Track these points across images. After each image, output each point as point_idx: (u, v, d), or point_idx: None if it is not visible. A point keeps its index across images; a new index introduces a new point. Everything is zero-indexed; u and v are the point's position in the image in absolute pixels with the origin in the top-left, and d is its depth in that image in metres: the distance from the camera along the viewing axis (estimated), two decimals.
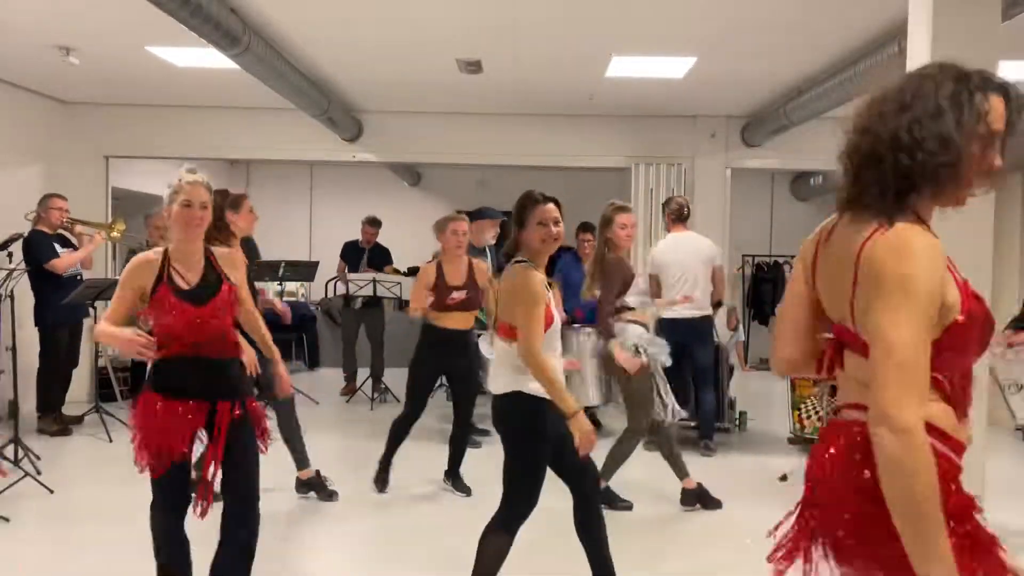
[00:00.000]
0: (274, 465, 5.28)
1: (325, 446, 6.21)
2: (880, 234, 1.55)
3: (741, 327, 8.62)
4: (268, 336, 3.38)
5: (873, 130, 1.60)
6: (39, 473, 4.89)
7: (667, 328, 5.47)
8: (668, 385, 4.58)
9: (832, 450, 1.64)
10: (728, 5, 4.84)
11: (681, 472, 4.70)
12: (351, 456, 5.84)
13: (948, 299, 1.53)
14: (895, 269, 1.50)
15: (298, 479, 4.81)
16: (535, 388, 2.95)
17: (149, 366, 3.01)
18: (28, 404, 6.06)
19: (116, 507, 4.56)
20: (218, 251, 3.05)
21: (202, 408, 2.90)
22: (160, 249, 2.96)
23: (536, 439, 3.01)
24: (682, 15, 5.05)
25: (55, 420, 6.23)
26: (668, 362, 4.56)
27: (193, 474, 3.05)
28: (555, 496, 3.18)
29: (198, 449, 3.01)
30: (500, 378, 3.07)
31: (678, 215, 5.96)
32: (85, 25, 5.37)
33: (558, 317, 3.06)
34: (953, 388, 1.60)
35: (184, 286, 2.90)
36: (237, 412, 2.94)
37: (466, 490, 4.94)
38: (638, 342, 4.46)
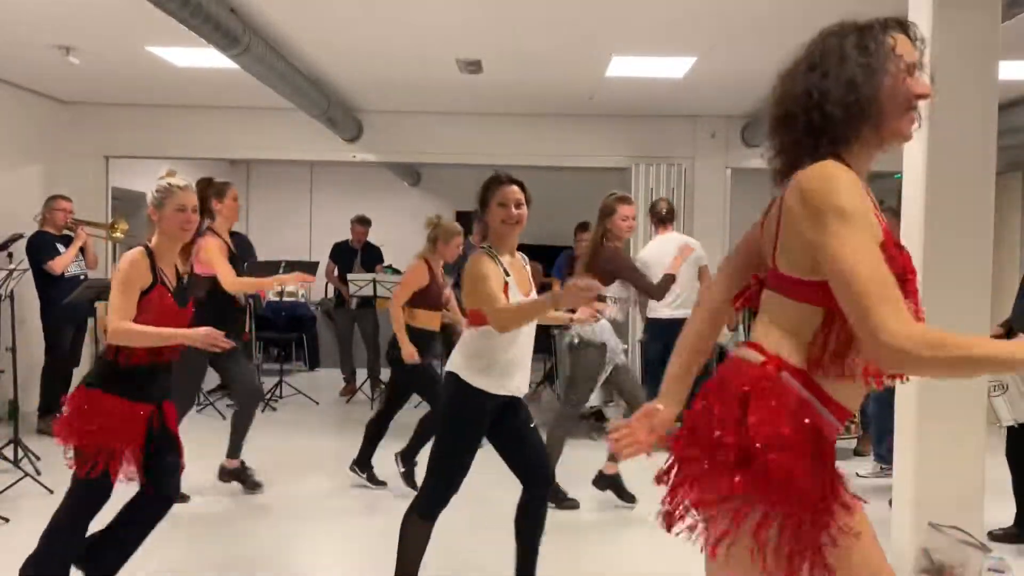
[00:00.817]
0: (274, 465, 5.31)
1: (325, 446, 6.22)
2: (799, 175, 1.60)
3: (741, 327, 8.62)
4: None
5: (787, 95, 1.66)
6: (39, 473, 4.88)
7: (655, 329, 5.46)
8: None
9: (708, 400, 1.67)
10: (728, 5, 4.84)
11: (553, 460, 4.61)
12: (351, 456, 5.84)
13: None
14: (826, 198, 1.53)
15: (223, 467, 4.88)
16: (474, 378, 2.98)
17: (101, 365, 2.98)
18: (28, 404, 6.06)
19: (116, 507, 4.56)
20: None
21: (149, 410, 2.96)
22: (141, 248, 2.95)
23: (463, 424, 3.03)
24: (682, 15, 5.05)
25: (55, 420, 6.22)
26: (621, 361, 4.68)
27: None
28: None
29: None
30: (454, 359, 3.09)
31: (662, 217, 5.96)
32: (85, 25, 5.37)
33: (518, 299, 3.02)
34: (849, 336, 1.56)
35: (171, 287, 2.96)
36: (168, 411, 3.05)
37: (414, 486, 4.88)
38: (583, 335, 4.55)
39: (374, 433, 5.16)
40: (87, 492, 2.91)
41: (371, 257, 8.53)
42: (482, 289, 2.91)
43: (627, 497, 4.77)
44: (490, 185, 3.10)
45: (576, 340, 4.62)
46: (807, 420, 1.57)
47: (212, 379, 7.15)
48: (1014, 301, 4.60)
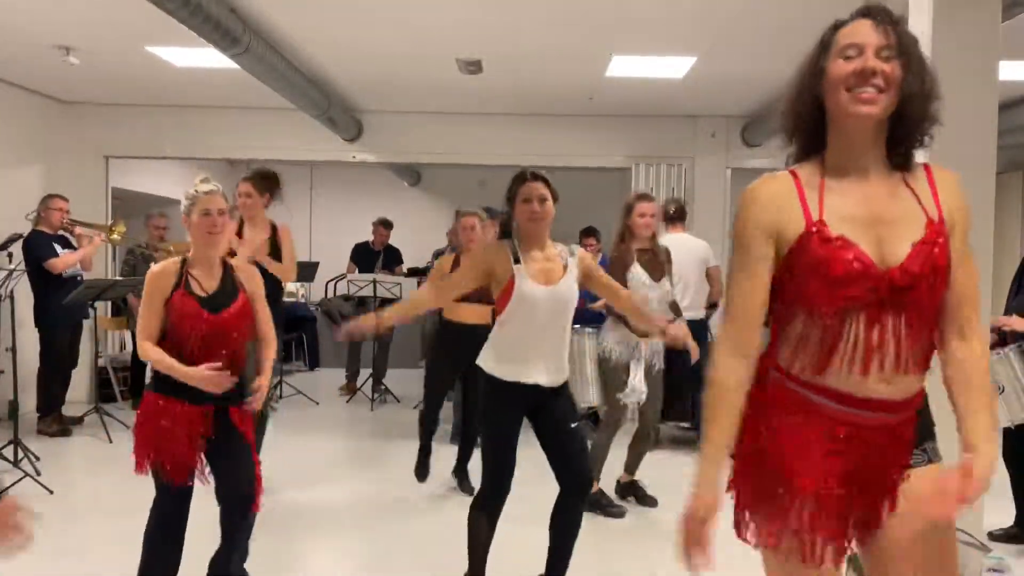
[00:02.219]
0: (273, 465, 5.30)
1: (325, 446, 6.22)
2: None
3: None
4: (270, 357, 3.22)
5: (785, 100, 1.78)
6: (39, 474, 4.88)
7: None
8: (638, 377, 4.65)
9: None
10: (728, 5, 4.84)
11: (596, 466, 4.70)
12: (351, 456, 5.84)
13: (787, 234, 1.64)
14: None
15: None
16: (492, 367, 3.09)
17: (150, 372, 3.01)
18: (28, 404, 6.06)
19: (116, 507, 4.56)
20: (237, 263, 3.11)
21: (206, 411, 2.92)
22: (178, 259, 2.98)
23: (491, 413, 3.12)
24: (682, 15, 5.05)
25: (55, 421, 6.23)
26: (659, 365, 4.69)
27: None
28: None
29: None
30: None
31: (670, 216, 5.96)
32: (85, 25, 5.37)
33: (526, 292, 3.03)
34: (814, 328, 1.64)
35: (201, 293, 2.91)
36: (235, 414, 2.97)
37: (470, 491, 4.95)
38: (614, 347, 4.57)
39: (468, 441, 5.07)
40: (162, 496, 2.95)
41: (392, 259, 8.55)
42: (464, 268, 3.27)
43: (649, 501, 4.81)
44: (514, 182, 3.17)
45: (608, 353, 4.63)
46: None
47: None
48: (1006, 302, 4.60)
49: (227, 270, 3.03)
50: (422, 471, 5.04)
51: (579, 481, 3.21)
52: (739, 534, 1.75)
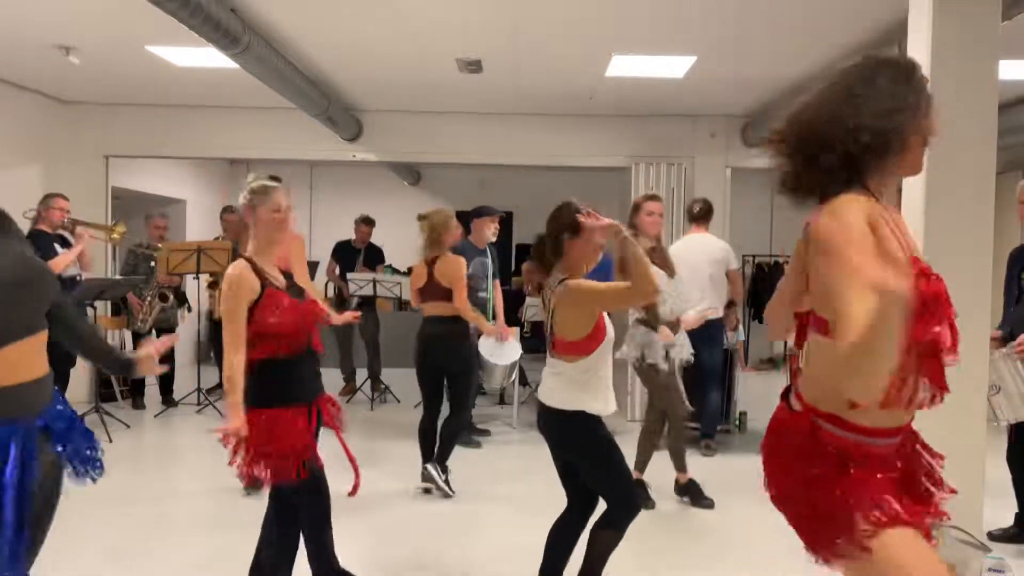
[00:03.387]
0: None
1: (325, 446, 6.20)
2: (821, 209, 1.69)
3: (741, 327, 8.62)
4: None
5: (818, 120, 1.72)
6: None
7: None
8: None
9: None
10: (728, 5, 4.84)
11: (680, 465, 4.89)
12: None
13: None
14: (831, 231, 1.62)
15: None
16: (589, 407, 3.02)
17: (248, 376, 2.85)
18: None
19: (116, 507, 4.56)
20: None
21: (307, 409, 2.99)
22: (240, 261, 2.89)
23: (607, 448, 3.08)
24: (682, 15, 5.05)
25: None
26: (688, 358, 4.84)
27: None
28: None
29: None
30: (558, 393, 3.08)
31: (693, 216, 5.96)
32: (85, 25, 5.37)
33: (610, 330, 3.09)
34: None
35: (280, 286, 2.92)
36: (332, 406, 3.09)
37: (447, 482, 4.96)
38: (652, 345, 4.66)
39: (449, 438, 5.10)
40: (303, 496, 3.02)
41: (373, 257, 8.53)
42: (606, 295, 3.07)
43: (705, 503, 4.83)
44: (575, 215, 3.02)
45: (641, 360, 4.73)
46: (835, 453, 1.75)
47: (212, 377, 7.15)
48: (1006, 306, 4.58)
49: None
50: (430, 479, 5.00)
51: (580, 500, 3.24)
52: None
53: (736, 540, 4.28)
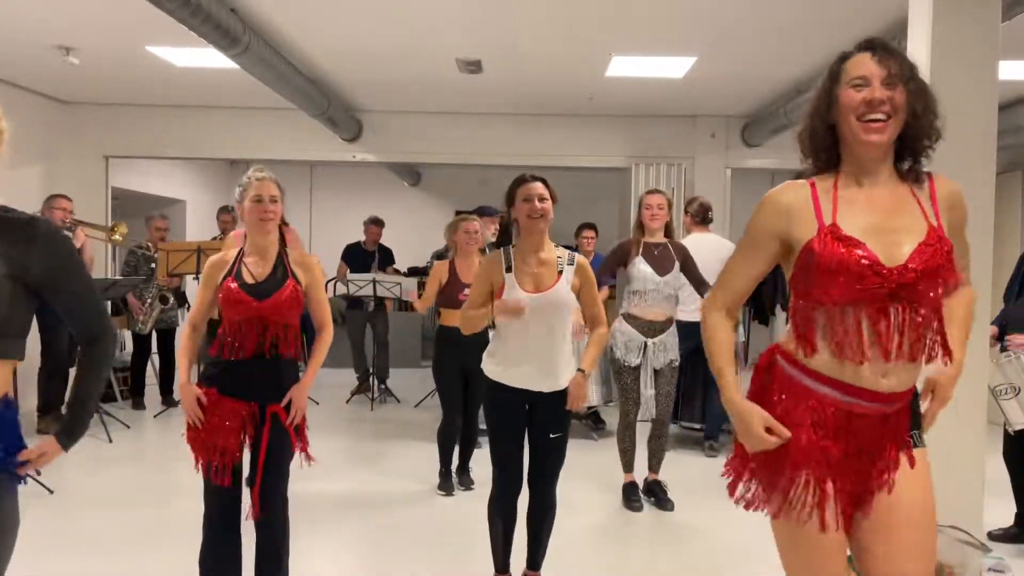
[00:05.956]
0: None
1: (325, 446, 6.21)
2: None
3: (741, 327, 8.62)
4: (318, 358, 3.16)
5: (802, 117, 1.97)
6: (39, 473, 4.85)
7: (682, 330, 5.48)
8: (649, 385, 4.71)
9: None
10: (728, 5, 4.85)
11: (626, 466, 4.80)
12: (351, 455, 5.84)
13: (795, 234, 1.84)
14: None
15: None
16: (489, 369, 3.23)
17: (203, 364, 3.00)
18: (28, 404, 6.06)
19: (116, 507, 4.56)
20: (293, 253, 3.07)
21: (251, 408, 2.92)
22: (233, 251, 3.03)
23: (488, 413, 3.30)
24: (682, 15, 5.05)
25: (55, 420, 6.23)
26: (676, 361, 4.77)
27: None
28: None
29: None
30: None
31: (701, 217, 5.95)
32: (85, 25, 5.37)
33: (517, 297, 3.09)
34: (826, 323, 1.81)
35: (250, 280, 2.93)
36: (281, 414, 2.93)
37: (468, 483, 5.01)
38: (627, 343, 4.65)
39: (468, 442, 5.16)
40: (208, 494, 2.93)
41: (384, 259, 8.51)
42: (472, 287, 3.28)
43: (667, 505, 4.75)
44: (514, 183, 3.22)
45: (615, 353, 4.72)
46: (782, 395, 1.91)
47: None
48: (1004, 300, 4.59)
49: (280, 259, 3.01)
50: (447, 484, 4.99)
51: (535, 486, 3.32)
52: (748, 506, 1.94)
53: (737, 541, 4.27)
